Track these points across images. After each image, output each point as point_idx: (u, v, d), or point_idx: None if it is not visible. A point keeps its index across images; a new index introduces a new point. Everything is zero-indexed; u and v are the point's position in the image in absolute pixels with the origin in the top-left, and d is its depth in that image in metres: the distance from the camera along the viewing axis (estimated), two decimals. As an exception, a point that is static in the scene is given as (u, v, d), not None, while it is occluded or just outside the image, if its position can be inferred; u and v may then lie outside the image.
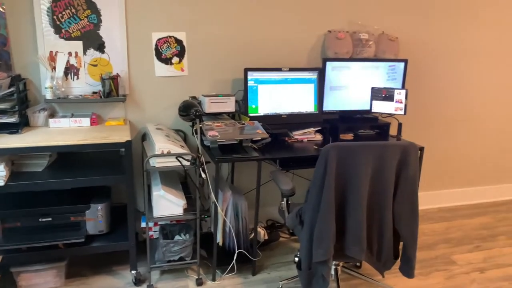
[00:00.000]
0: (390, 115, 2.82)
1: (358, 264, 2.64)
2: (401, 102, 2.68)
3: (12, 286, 2.28)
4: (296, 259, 2.54)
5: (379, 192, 1.88)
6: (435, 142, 3.47)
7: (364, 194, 1.84)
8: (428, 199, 3.59)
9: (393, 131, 2.90)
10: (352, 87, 2.87)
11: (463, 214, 3.47)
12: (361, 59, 2.87)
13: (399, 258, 2.01)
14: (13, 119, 2.23)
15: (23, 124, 2.34)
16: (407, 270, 1.98)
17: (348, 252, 1.91)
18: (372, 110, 2.79)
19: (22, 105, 2.34)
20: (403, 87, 2.94)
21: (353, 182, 1.83)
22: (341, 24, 2.97)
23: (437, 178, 3.58)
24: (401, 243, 1.98)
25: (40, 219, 2.25)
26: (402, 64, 2.93)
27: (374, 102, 2.78)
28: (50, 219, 2.26)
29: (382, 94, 2.75)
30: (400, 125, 2.83)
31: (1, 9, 2.29)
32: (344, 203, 1.88)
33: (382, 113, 2.81)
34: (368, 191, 1.87)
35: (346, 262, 2.55)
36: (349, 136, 2.77)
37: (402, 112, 2.69)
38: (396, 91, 2.69)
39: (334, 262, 2.28)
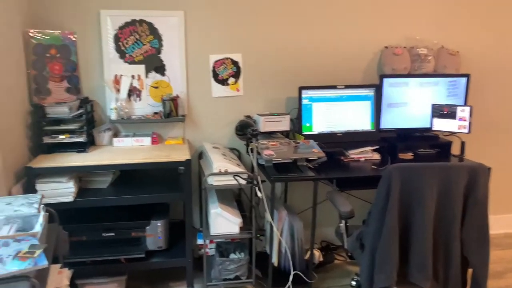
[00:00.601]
0: (452, 133, 2.69)
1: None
2: (465, 120, 2.55)
3: (77, 298, 2.39)
4: (353, 283, 2.46)
5: (445, 216, 1.79)
6: (501, 162, 3.26)
7: (429, 218, 1.76)
8: (494, 224, 3.35)
9: (454, 150, 2.76)
10: (411, 104, 2.79)
11: (534, 240, 3.21)
12: (420, 75, 2.78)
13: (468, 287, 1.89)
14: (81, 139, 2.38)
15: (90, 143, 2.48)
16: (477, 300, 1.85)
17: (411, 279, 1.82)
18: (433, 128, 2.68)
19: (89, 125, 2.49)
20: (465, 103, 2.80)
21: (418, 205, 1.76)
22: (398, 40, 2.90)
23: (504, 201, 3.35)
24: (470, 271, 1.86)
25: (103, 234, 2.35)
26: (464, 79, 2.80)
27: (435, 119, 2.67)
28: (113, 234, 2.36)
29: (443, 111, 2.63)
30: (463, 144, 2.70)
31: (72, 38, 2.46)
32: (408, 227, 1.80)
33: (444, 131, 2.69)
34: (433, 215, 1.78)
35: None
36: (409, 155, 2.67)
37: (466, 130, 2.56)
38: (459, 108, 2.57)
39: (395, 288, 2.18)
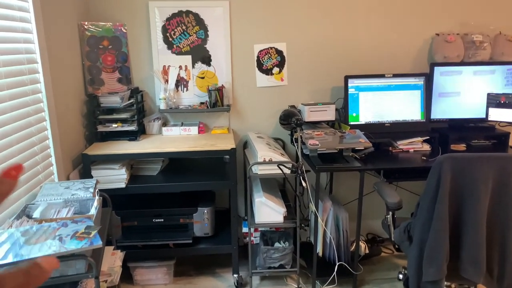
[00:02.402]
0: (510, 123, 2.54)
1: (472, 287, 2.40)
2: (524, 109, 2.40)
3: (128, 280, 2.50)
4: (401, 276, 2.41)
5: (501, 209, 1.70)
6: None
7: (483, 211, 1.68)
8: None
9: (512, 141, 2.61)
10: (464, 93, 2.65)
11: None
12: (474, 63, 2.64)
13: (525, 284, 1.79)
14: (132, 127, 2.47)
15: (140, 131, 2.57)
16: (536, 299, 1.75)
17: (463, 274, 1.75)
18: (489, 119, 2.54)
19: (140, 114, 2.58)
20: (525, 92, 2.63)
21: (470, 197, 1.68)
22: (450, 26, 2.77)
23: None
24: (528, 268, 1.76)
25: (153, 220, 2.45)
26: (524, 67, 2.63)
27: (490, 109, 2.53)
28: (162, 220, 2.44)
29: (500, 100, 2.49)
30: (522, 134, 2.54)
31: (123, 30, 2.55)
32: (459, 220, 1.73)
33: (500, 122, 2.54)
34: (488, 208, 1.70)
35: (460, 284, 2.34)
36: (461, 146, 2.55)
37: (525, 120, 2.41)
38: (518, 97, 2.42)
39: (446, 283, 2.11)
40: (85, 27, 2.45)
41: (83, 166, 2.25)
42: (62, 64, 2.18)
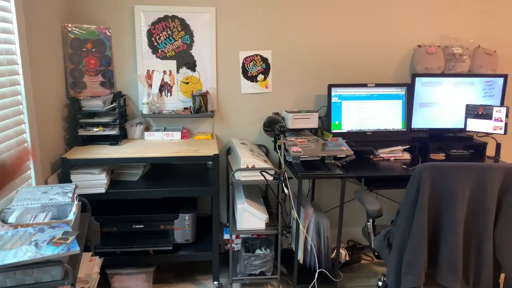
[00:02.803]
0: (487, 134, 2.61)
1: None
2: (501, 121, 2.46)
3: (106, 287, 2.45)
4: (380, 283, 2.43)
5: (477, 217, 1.74)
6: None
7: (460, 219, 1.71)
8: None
9: (489, 151, 2.67)
10: (444, 104, 2.71)
11: None
12: (454, 75, 2.70)
13: (501, 292, 1.83)
14: (114, 132, 2.44)
15: (122, 136, 2.54)
16: (510, 307, 1.79)
17: (440, 280, 1.78)
18: (467, 129, 2.60)
19: (122, 119, 2.55)
20: (502, 104, 2.71)
21: (449, 205, 1.71)
22: (432, 38, 2.83)
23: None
24: (502, 275, 1.80)
25: (133, 226, 2.41)
26: (501, 80, 2.70)
27: (469, 120, 2.59)
28: (142, 226, 2.41)
29: (478, 111, 2.55)
30: (498, 145, 2.60)
31: (107, 33, 2.53)
32: (437, 228, 1.76)
33: (478, 132, 2.60)
34: (465, 216, 1.73)
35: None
36: (441, 156, 2.60)
37: (501, 132, 2.47)
38: (495, 109, 2.48)
39: (423, 290, 2.14)
40: (69, 29, 2.43)
41: (62, 171, 2.21)
42: (44, 66, 2.15)
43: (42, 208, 1.69)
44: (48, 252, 1.32)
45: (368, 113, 2.69)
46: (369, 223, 2.08)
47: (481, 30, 2.86)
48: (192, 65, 2.69)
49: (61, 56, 2.42)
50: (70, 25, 2.43)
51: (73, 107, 2.41)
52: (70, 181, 2.20)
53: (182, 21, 2.62)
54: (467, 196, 1.71)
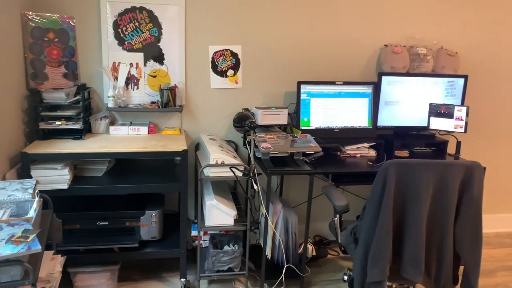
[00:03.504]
0: (449, 132, 2.71)
1: (411, 286, 2.53)
2: (461, 120, 2.56)
3: (69, 286, 2.37)
4: (346, 277, 2.48)
5: (440, 213, 1.80)
6: (495, 162, 3.29)
7: (424, 214, 1.77)
8: (486, 223, 3.38)
9: (450, 149, 2.78)
10: (408, 102, 2.79)
11: (525, 241, 3.25)
12: (418, 74, 2.79)
13: (459, 283, 1.90)
14: (77, 126, 2.35)
15: (86, 130, 2.46)
16: (468, 297, 1.87)
17: (404, 274, 1.83)
18: (430, 127, 2.70)
19: (86, 112, 2.46)
20: (462, 104, 2.82)
21: (413, 201, 1.76)
22: (398, 38, 2.91)
23: (496, 201, 3.38)
24: (461, 268, 1.88)
25: (97, 223, 2.34)
26: (461, 80, 2.81)
27: (432, 118, 2.68)
28: (107, 223, 2.35)
29: (440, 110, 2.65)
30: (459, 143, 2.71)
31: (71, 23, 2.43)
32: (402, 223, 1.81)
33: (440, 130, 2.70)
34: (428, 212, 1.79)
35: (401, 284, 2.45)
36: (405, 153, 2.68)
37: (462, 130, 2.57)
38: (456, 108, 2.58)
39: (387, 283, 2.20)
40: (29, 17, 2.31)
41: (21, 166, 2.11)
42: (1, 55, 2.04)
43: (0, 205, 1.61)
44: (7, 251, 1.25)
45: (335, 110, 2.73)
46: (336, 219, 2.11)
47: (444, 32, 2.96)
48: (160, 58, 2.63)
49: (21, 45, 2.30)
50: (30, 13, 2.31)
51: (34, 99, 2.30)
52: (30, 177, 2.11)
53: (150, 13, 2.55)
54: (430, 192, 1.77)
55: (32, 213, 1.55)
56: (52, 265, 1.76)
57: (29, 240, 1.32)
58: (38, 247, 1.29)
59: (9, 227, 1.39)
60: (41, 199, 1.69)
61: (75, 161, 2.38)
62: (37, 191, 1.74)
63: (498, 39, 3.05)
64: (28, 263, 1.34)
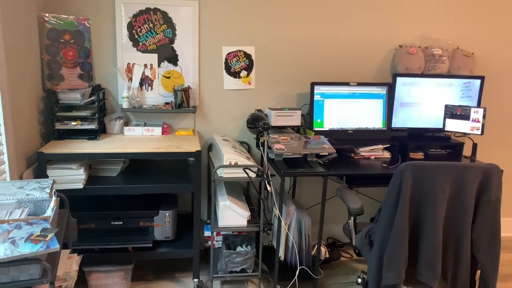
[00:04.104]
0: (465, 134, 2.67)
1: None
2: (478, 121, 2.53)
3: (83, 285, 2.39)
4: (360, 280, 2.45)
5: (456, 216, 1.78)
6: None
7: (440, 217, 1.75)
8: (503, 226, 3.33)
9: (466, 151, 2.74)
10: (423, 104, 2.76)
11: (542, 245, 3.19)
12: (434, 75, 2.76)
13: (476, 288, 1.88)
14: (92, 126, 2.38)
15: (101, 131, 2.48)
16: (486, 302, 1.84)
17: (420, 278, 1.81)
18: (446, 129, 2.66)
19: (101, 113, 2.48)
20: (478, 105, 2.78)
21: (429, 204, 1.74)
22: (412, 39, 2.88)
23: (513, 204, 3.33)
24: (478, 272, 1.85)
25: (112, 222, 2.36)
26: (478, 81, 2.77)
27: (447, 120, 2.65)
28: (121, 222, 2.36)
29: (456, 112, 2.61)
30: (475, 145, 2.67)
31: (87, 24, 2.46)
32: (418, 226, 1.79)
33: (456, 132, 2.67)
34: (444, 215, 1.77)
35: (415, 288, 2.42)
36: (419, 155, 2.65)
37: (479, 132, 2.54)
38: (472, 110, 2.55)
39: (402, 287, 2.17)
40: (46, 19, 2.34)
41: (38, 165, 2.13)
42: (19, 56, 2.07)
43: (18, 204, 1.63)
44: (26, 249, 1.27)
45: (349, 111, 2.71)
46: (350, 221, 2.10)
47: (460, 32, 2.92)
48: (173, 59, 2.64)
49: (38, 46, 2.33)
50: (47, 15, 2.34)
51: (50, 100, 2.33)
52: (46, 176, 2.13)
53: (164, 14, 2.56)
54: (447, 195, 1.75)
55: (49, 212, 1.57)
56: (69, 264, 1.77)
57: (47, 239, 1.33)
58: (56, 246, 1.31)
59: (28, 226, 1.41)
60: (58, 198, 1.71)
61: (90, 161, 2.40)
62: (54, 190, 1.76)
63: (515, 40, 3.00)
64: (46, 261, 1.35)
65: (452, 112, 2.64)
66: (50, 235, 1.35)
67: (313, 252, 2.54)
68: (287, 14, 2.71)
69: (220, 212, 2.31)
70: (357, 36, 2.81)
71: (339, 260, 2.84)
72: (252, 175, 2.26)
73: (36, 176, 2.16)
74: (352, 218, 2.08)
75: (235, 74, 2.74)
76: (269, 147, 2.37)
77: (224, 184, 2.56)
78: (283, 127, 2.69)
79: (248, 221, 2.35)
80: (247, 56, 2.72)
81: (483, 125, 2.52)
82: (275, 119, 2.55)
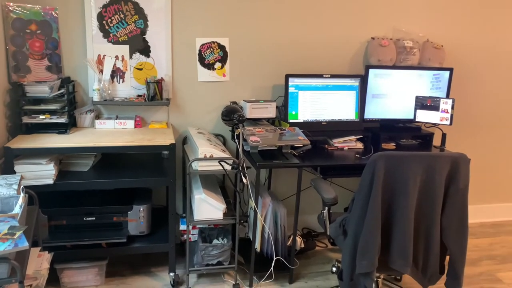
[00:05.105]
0: (435, 125, 2.74)
1: (398, 277, 2.57)
2: (447, 112, 2.60)
3: (55, 282, 2.34)
4: (334, 269, 2.50)
5: (427, 204, 1.83)
6: (479, 154, 3.35)
7: (411, 206, 1.79)
8: (470, 213, 3.45)
9: (436, 141, 2.82)
10: (395, 95, 2.82)
11: (507, 231, 3.32)
12: (405, 67, 2.81)
13: (445, 273, 1.94)
14: (62, 120, 2.31)
15: (71, 124, 2.41)
16: (454, 286, 1.91)
17: (392, 265, 1.86)
18: (416, 120, 2.73)
19: (71, 106, 2.42)
20: (447, 96, 2.86)
21: (401, 193, 1.78)
22: (384, 31, 2.92)
23: (480, 192, 3.45)
24: (447, 258, 1.92)
25: (84, 218, 2.31)
26: (447, 73, 2.85)
27: (418, 111, 2.71)
28: (94, 218, 2.31)
29: (427, 103, 2.68)
30: (444, 135, 2.75)
31: (54, 14, 2.37)
32: (390, 215, 1.83)
33: (426, 123, 2.73)
34: (415, 203, 1.81)
35: (388, 275, 2.49)
36: (391, 145, 2.71)
37: (448, 122, 2.61)
38: (442, 101, 2.61)
39: (375, 274, 2.23)
40: (10, 8, 2.24)
41: (4, 161, 2.06)
42: (-18, 47, 1.98)
43: (-16, 202, 1.57)
44: (-7, 249, 1.22)
45: (323, 103, 2.73)
46: (324, 211, 2.12)
47: (430, 25, 2.99)
48: (146, 51, 2.59)
49: (2, 37, 2.24)
50: (11, 4, 2.24)
51: (16, 93, 2.24)
52: (14, 172, 2.06)
53: (135, 4, 2.50)
54: (418, 184, 1.79)
55: (17, 210, 1.52)
56: (39, 262, 1.73)
57: (15, 237, 1.29)
58: (25, 244, 1.27)
59: (-6, 224, 1.36)
60: (27, 195, 1.66)
61: (60, 156, 2.33)
62: (22, 186, 1.70)
63: (483, 33, 3.09)
64: (15, 260, 1.31)
65: (422, 103, 2.70)
66: (18, 233, 1.31)
67: (289, 242, 2.56)
68: (261, 6, 2.69)
69: (196, 206, 2.30)
70: (331, 28, 2.83)
71: (314, 250, 2.89)
72: (228, 167, 2.25)
73: (3, 172, 2.08)
74: (326, 208, 2.11)
75: (209, 66, 2.71)
76: (245, 140, 2.37)
77: (199, 177, 2.55)
78: (258, 119, 2.69)
79: (224, 214, 2.35)
80: (221, 47, 2.70)
81: (451, 115, 2.60)
82: (250, 111, 2.55)
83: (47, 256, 1.78)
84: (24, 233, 1.33)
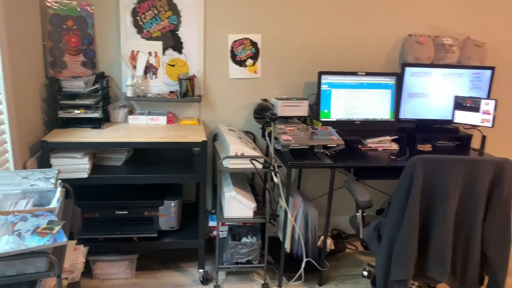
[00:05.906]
0: (474, 126, 2.63)
1: (432, 284, 2.49)
2: (488, 114, 2.49)
3: (87, 274, 2.38)
4: (365, 272, 2.45)
5: (467, 211, 1.75)
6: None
7: (451, 212, 1.72)
8: None
9: (474, 144, 2.70)
10: (432, 94, 2.72)
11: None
12: (443, 65, 2.70)
13: (485, 284, 1.86)
14: (96, 115, 2.34)
15: (105, 119, 2.44)
16: (494, 297, 1.83)
17: (429, 273, 1.79)
18: (455, 120, 2.62)
19: (105, 101, 2.44)
20: (488, 96, 2.73)
21: (440, 198, 1.71)
22: (422, 28, 2.82)
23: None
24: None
25: (116, 212, 2.33)
26: (488, 72, 2.72)
27: (457, 112, 2.61)
28: (126, 212, 2.34)
29: (466, 103, 2.57)
30: (484, 138, 2.63)
31: (90, 10, 2.40)
32: (428, 220, 1.76)
33: (465, 124, 2.62)
34: (455, 209, 1.74)
35: (423, 282, 2.41)
36: (427, 147, 2.62)
37: (489, 124, 2.50)
38: (483, 101, 2.50)
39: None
40: (48, 4, 2.28)
41: (41, 154, 2.10)
42: (21, 43, 2.02)
43: (23, 195, 1.60)
44: (33, 243, 1.24)
45: (357, 102, 2.66)
46: (358, 214, 2.07)
47: (471, 22, 2.86)
48: (178, 47, 2.59)
49: (40, 33, 2.28)
50: (49, 0, 2.28)
51: (53, 88, 2.28)
52: (50, 165, 2.10)
53: (169, 0, 2.50)
54: (458, 190, 1.71)
55: (55, 203, 1.54)
56: (75, 255, 1.75)
57: (54, 232, 1.31)
58: (63, 240, 1.28)
59: (34, 218, 1.38)
60: (64, 188, 1.68)
61: (94, 150, 2.36)
62: (59, 180, 1.73)
63: (527, 30, 2.94)
64: (53, 254, 1.33)
65: (461, 103, 2.60)
66: (57, 228, 1.33)
67: (319, 243, 2.52)
68: (294, 2, 2.64)
69: (226, 203, 2.28)
70: (366, 24, 2.75)
71: (344, 252, 2.83)
72: (259, 166, 2.22)
73: (39, 164, 2.12)
74: (360, 211, 2.06)
75: (241, 63, 2.68)
76: (276, 138, 2.34)
77: (229, 174, 2.53)
78: (289, 117, 2.65)
79: (254, 212, 2.33)
80: (253, 44, 2.67)
81: (494, 117, 2.48)
82: (282, 109, 2.51)
83: (83, 250, 1.81)
84: (62, 228, 1.34)
